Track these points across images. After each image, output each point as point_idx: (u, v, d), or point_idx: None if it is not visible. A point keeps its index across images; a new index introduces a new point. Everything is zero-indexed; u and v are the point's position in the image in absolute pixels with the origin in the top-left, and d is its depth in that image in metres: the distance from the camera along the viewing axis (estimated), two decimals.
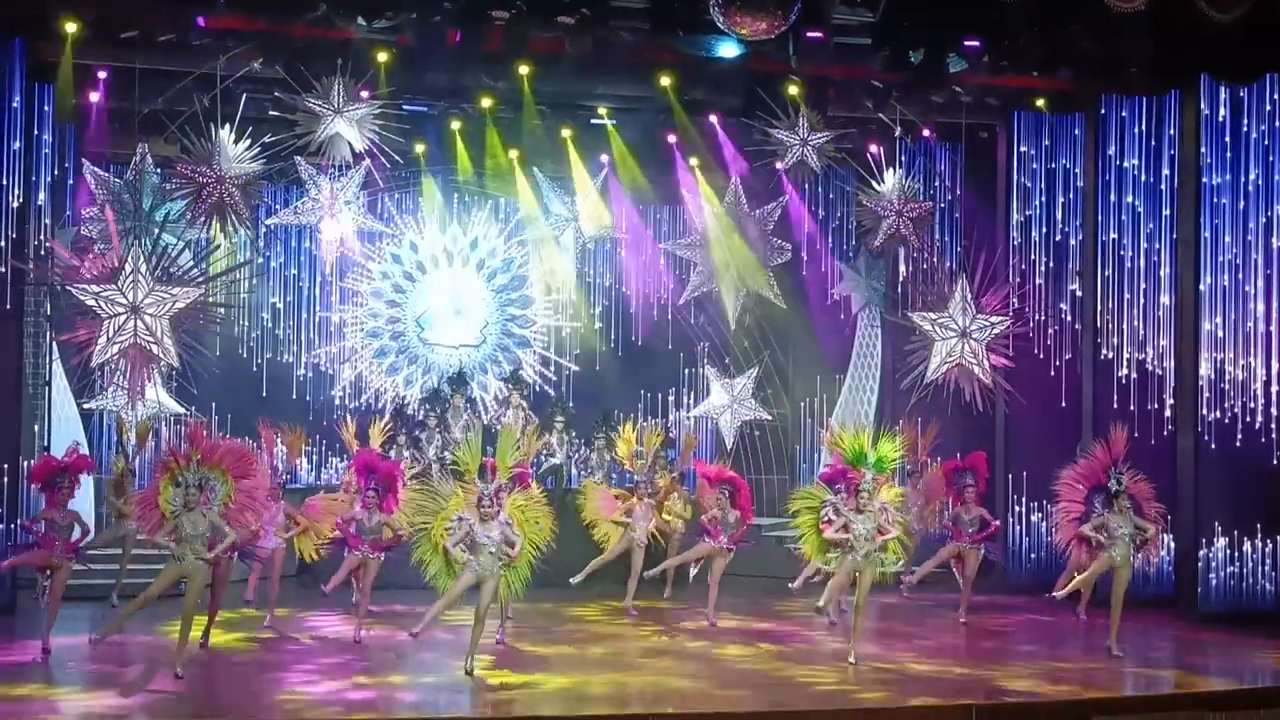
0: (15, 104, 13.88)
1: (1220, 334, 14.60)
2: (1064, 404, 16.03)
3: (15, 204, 13.91)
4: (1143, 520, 12.25)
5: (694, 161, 18.05)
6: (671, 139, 17.57)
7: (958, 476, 14.32)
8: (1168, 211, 15.29)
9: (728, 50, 14.42)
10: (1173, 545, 14.84)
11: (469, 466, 11.21)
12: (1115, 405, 15.26)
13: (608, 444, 16.96)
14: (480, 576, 10.96)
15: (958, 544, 14.01)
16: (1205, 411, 14.49)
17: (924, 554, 14.94)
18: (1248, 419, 14.47)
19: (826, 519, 11.78)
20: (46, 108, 14.64)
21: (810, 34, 13.99)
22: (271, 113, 15.50)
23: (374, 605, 13.13)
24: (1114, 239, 15.59)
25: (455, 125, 17.06)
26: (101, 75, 14.87)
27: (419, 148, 17.45)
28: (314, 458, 18.34)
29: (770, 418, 18.54)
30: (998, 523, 14.57)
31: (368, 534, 12.52)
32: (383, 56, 14.33)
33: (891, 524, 11.94)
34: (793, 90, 15.32)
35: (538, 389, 19.43)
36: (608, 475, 16.84)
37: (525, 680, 10.87)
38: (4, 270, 13.77)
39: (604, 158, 18.21)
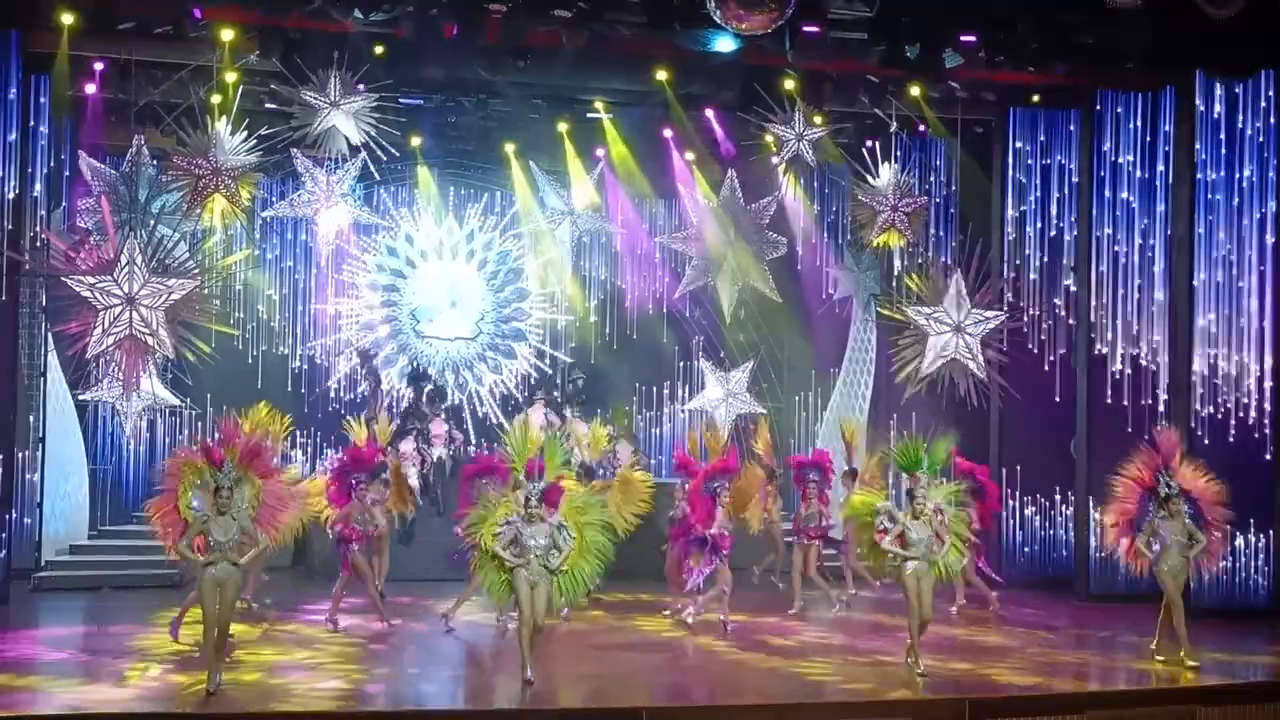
0: (11, 95, 13.86)
1: (1214, 330, 14.64)
2: (1058, 399, 16.07)
3: (11, 195, 13.89)
4: (1196, 528, 11.54)
5: (690, 156, 18.06)
6: (668, 133, 17.58)
7: (803, 471, 14.21)
8: (1162, 207, 15.32)
9: (724, 45, 14.42)
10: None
11: (517, 467, 10.66)
12: (1109, 400, 15.31)
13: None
14: (531, 581, 10.26)
15: (802, 542, 13.99)
16: (1199, 407, 14.53)
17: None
18: (1241, 415, 14.52)
19: (881, 527, 10.99)
20: (43, 99, 14.63)
21: (807, 28, 13.99)
22: (268, 105, 15.50)
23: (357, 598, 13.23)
24: (1108, 234, 15.60)
25: (452, 118, 17.04)
26: (98, 67, 14.83)
27: (415, 140, 17.45)
28: (308, 449, 18.38)
29: (765, 411, 18.58)
30: (831, 522, 14.39)
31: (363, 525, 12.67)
32: (379, 49, 14.31)
33: (946, 526, 11.01)
34: (789, 85, 15.34)
35: (532, 382, 19.48)
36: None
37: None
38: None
39: (600, 151, 18.23)
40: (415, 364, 18.80)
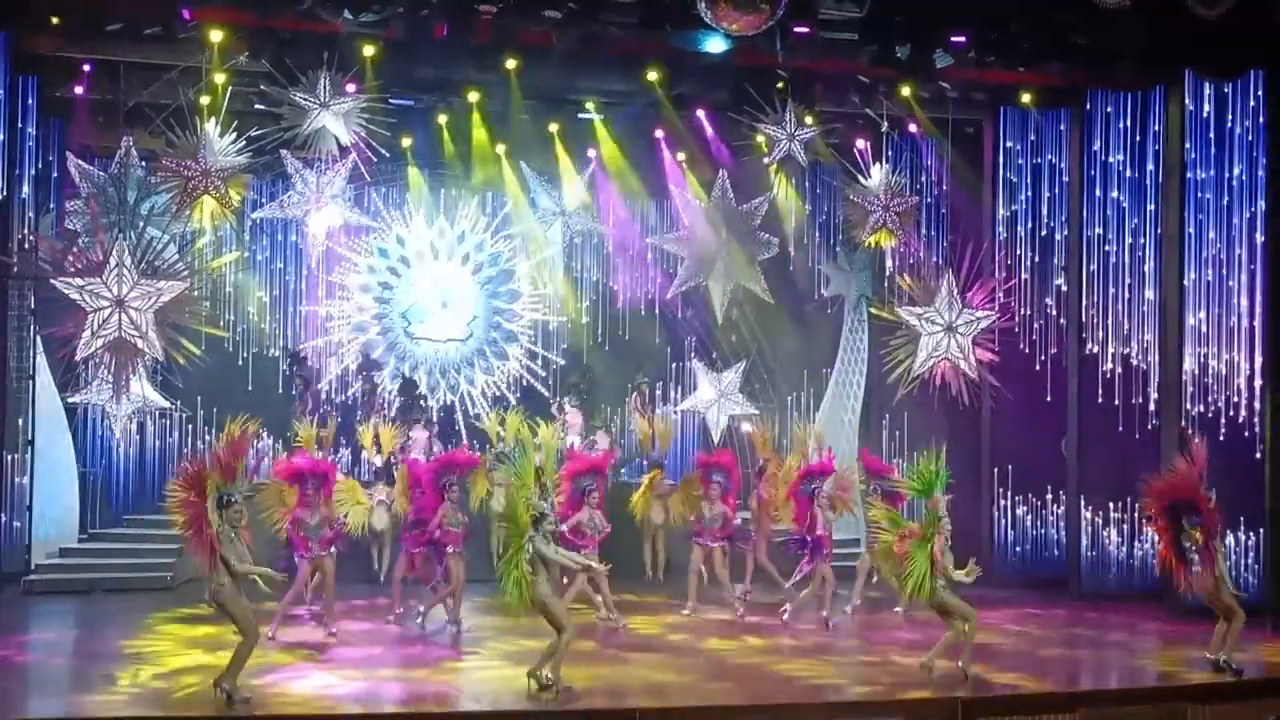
0: None
1: (1204, 329, 14.67)
2: (1049, 398, 16.10)
3: None
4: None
5: (681, 156, 18.06)
6: (659, 133, 17.57)
7: (708, 472, 14.02)
8: (1152, 206, 15.36)
9: (715, 45, 14.39)
10: (1156, 539, 14.91)
11: (525, 483, 10.40)
12: (1100, 400, 15.35)
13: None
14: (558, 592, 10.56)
15: (703, 544, 13.81)
16: (1189, 406, 14.56)
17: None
18: (1231, 413, 14.54)
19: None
20: (30, 100, 14.58)
21: (797, 29, 13.99)
22: (257, 106, 15.44)
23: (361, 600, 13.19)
24: (1099, 234, 15.64)
25: (442, 119, 17.02)
26: (86, 68, 14.78)
27: (406, 141, 17.41)
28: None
29: (757, 412, 18.56)
30: (738, 521, 14.32)
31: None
32: (369, 50, 14.26)
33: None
34: (780, 85, 15.34)
35: (524, 384, 19.46)
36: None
37: (515, 675, 10.85)
38: None
39: (591, 152, 18.21)
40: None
